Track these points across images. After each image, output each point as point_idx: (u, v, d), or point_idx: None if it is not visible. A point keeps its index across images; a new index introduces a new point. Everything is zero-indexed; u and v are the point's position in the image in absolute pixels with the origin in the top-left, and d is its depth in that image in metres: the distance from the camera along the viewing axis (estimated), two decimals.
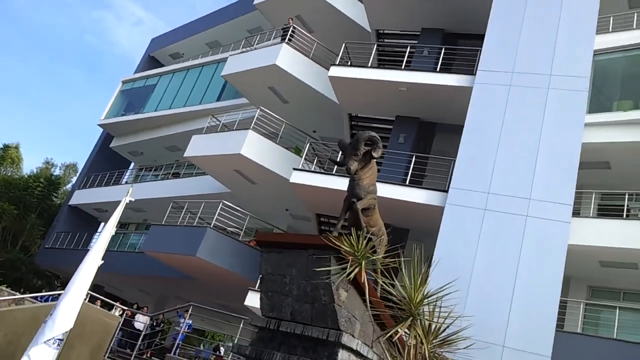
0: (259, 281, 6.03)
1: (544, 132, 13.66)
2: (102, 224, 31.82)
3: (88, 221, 31.03)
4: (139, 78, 32.75)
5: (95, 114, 62.22)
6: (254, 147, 18.07)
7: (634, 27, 15.70)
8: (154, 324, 14.80)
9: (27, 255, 33.56)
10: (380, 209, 7.12)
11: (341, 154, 7.29)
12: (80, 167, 44.48)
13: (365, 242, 5.78)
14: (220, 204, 17.68)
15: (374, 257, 6.00)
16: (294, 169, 16.35)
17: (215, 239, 17.13)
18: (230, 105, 24.23)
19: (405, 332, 6.00)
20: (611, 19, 16.05)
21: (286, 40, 19.41)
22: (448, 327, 6.03)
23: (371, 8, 19.31)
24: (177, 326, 14.70)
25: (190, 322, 14.19)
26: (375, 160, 6.80)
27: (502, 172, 13.55)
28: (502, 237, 12.81)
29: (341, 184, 14.51)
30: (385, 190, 13.06)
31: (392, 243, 7.32)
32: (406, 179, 15.35)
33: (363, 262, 5.63)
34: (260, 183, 19.47)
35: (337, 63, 17.61)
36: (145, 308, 18.24)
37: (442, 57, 16.85)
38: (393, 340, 6.34)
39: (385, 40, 20.53)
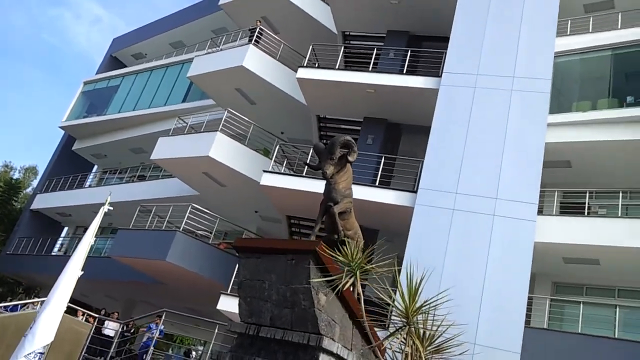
0: (238, 287, 6.01)
1: (508, 132, 14.01)
2: (66, 228, 31.14)
3: (51, 226, 30.07)
4: (101, 79, 32.09)
5: (55, 116, 60.66)
6: (223, 149, 17.93)
7: (590, 30, 16.29)
8: (124, 330, 14.55)
9: None
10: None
11: (313, 157, 7.36)
12: (40, 170, 43.29)
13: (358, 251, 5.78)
14: (190, 207, 17.52)
15: (369, 267, 6.00)
16: (264, 171, 16.30)
17: (185, 243, 16.93)
18: (196, 107, 23.97)
19: (402, 341, 6.03)
20: (569, 22, 16.59)
21: (253, 41, 19.34)
22: (442, 334, 6.13)
23: (337, 10, 19.45)
24: (148, 332, 14.46)
25: (163, 327, 14.02)
26: (351, 164, 6.90)
27: (469, 172, 13.84)
28: (470, 236, 13.08)
29: (311, 185, 14.60)
30: (355, 191, 13.12)
31: (364, 245, 7.42)
32: (376, 180, 15.51)
33: (358, 273, 5.63)
34: (229, 185, 19.33)
35: (304, 65, 17.64)
36: (116, 314, 17.89)
37: (408, 59, 17.09)
38: (372, 347, 6.43)
39: (352, 42, 20.68)
